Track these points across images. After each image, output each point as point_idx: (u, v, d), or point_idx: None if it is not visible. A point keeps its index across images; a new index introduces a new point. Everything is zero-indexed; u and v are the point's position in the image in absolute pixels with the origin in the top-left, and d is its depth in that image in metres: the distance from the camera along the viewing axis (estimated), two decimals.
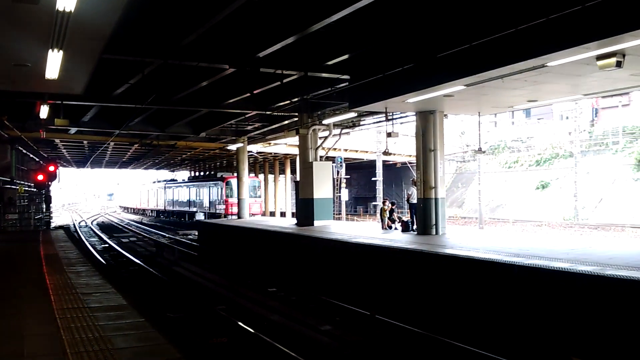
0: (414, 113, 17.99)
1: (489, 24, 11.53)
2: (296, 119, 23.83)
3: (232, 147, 32.53)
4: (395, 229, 19.65)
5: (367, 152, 43.48)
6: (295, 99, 20.91)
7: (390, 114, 19.07)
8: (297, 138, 24.07)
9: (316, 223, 22.39)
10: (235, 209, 33.93)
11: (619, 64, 10.36)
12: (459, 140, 52.03)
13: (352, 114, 19.43)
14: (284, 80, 17.94)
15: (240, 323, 10.79)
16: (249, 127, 29.45)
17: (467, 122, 47.30)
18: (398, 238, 16.35)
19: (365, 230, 19.51)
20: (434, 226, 17.26)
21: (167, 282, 16.40)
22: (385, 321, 11.28)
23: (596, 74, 11.69)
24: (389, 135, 18.89)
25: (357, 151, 43.00)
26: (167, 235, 34.49)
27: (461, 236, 16.51)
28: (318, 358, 9.28)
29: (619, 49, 10.03)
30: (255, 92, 19.62)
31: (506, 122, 56.68)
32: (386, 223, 19.96)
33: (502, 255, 11.69)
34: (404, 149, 40.79)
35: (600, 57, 10.39)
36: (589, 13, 9.44)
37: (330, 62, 16.53)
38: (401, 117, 21.64)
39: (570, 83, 13.46)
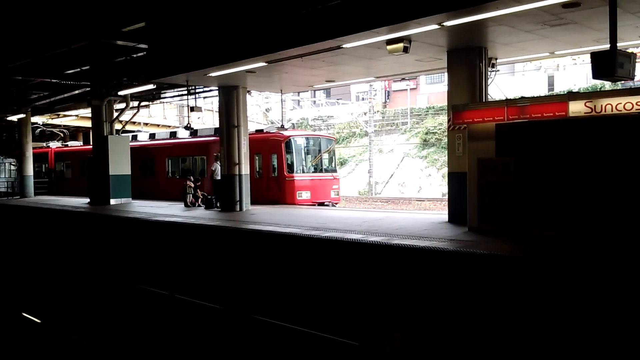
0: (217, 88, 17.63)
1: (289, 3, 11.61)
2: (88, 88, 21.92)
3: (13, 117, 28.87)
4: (199, 205, 19.24)
5: (169, 126, 41.91)
6: (87, 67, 19.16)
7: (193, 87, 18.46)
8: (89, 110, 22.19)
9: (113, 201, 21.01)
10: None
11: (406, 49, 11.16)
12: (263, 117, 52.75)
13: (150, 86, 18.39)
14: (73, 46, 16.28)
15: None
16: (34, 96, 26.37)
17: (272, 99, 48.09)
18: (201, 215, 16.00)
19: (168, 208, 18.77)
20: (238, 202, 17.22)
21: None
22: (185, 300, 10.96)
23: (386, 57, 12.48)
24: (191, 109, 18.33)
25: (158, 126, 41.21)
26: None
27: (264, 213, 16.71)
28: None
29: (406, 35, 10.79)
30: (40, 56, 17.54)
31: (308, 101, 58.86)
32: (189, 200, 19.42)
33: (302, 229, 12.02)
34: (211, 124, 40.14)
35: (389, 42, 11.08)
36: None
37: (126, 29, 15.38)
38: (205, 92, 21.09)
39: (364, 65, 14.24)
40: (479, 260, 8.49)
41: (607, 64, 9.16)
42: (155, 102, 25.44)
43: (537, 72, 33.21)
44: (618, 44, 9.18)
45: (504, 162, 10.73)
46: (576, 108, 9.68)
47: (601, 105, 9.42)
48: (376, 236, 10.61)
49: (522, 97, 11.04)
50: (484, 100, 12.08)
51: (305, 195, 19.52)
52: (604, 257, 8.06)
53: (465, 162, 11.49)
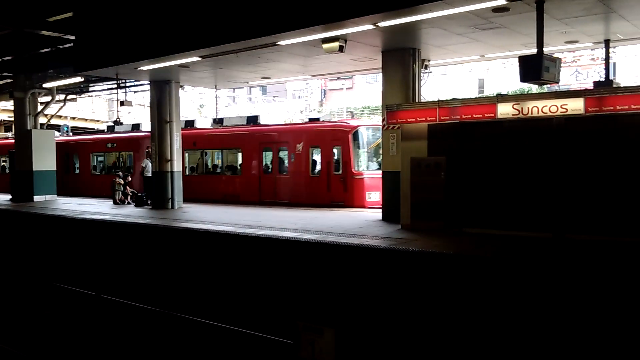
0: (149, 82, 17.10)
1: None
2: (10, 80, 20.77)
3: None
4: (129, 203, 18.63)
5: (98, 121, 40.40)
6: (9, 58, 18.15)
7: (123, 81, 17.84)
8: (12, 102, 21.05)
9: (37, 198, 20.02)
10: None
11: (341, 49, 11.18)
12: (197, 113, 51.77)
13: (78, 79, 17.62)
14: None
15: None
16: None
17: (206, 95, 47.24)
18: (131, 213, 15.48)
19: (96, 206, 18.06)
20: (170, 200, 16.79)
21: None
22: (111, 300, 10.59)
23: (323, 56, 12.49)
24: (121, 103, 17.66)
25: (86, 120, 39.65)
26: None
27: (198, 211, 16.36)
28: None
29: (342, 34, 10.81)
30: None
31: (244, 97, 58.28)
32: (118, 197, 18.78)
33: (236, 227, 11.84)
34: (142, 119, 38.97)
35: (325, 41, 11.08)
36: None
37: (51, 19, 14.65)
38: (136, 85, 20.42)
39: (300, 63, 14.19)
40: (409, 258, 8.63)
41: (534, 68, 9.53)
42: (83, 96, 24.40)
43: (469, 74, 34.23)
44: (545, 49, 9.57)
45: (436, 161, 10.97)
46: (505, 110, 10.01)
47: (528, 108, 9.78)
48: (311, 234, 10.59)
49: (454, 99, 11.30)
50: (417, 101, 12.29)
51: (374, 196, 15.90)
52: (529, 253, 8.37)
53: (399, 161, 11.67)
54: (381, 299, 8.69)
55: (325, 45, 11.13)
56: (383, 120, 12.31)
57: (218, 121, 20.34)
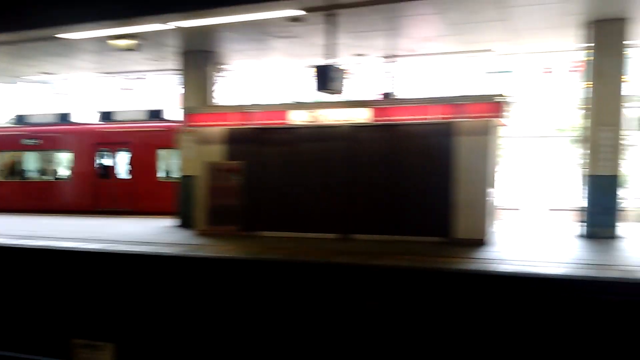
0: None
1: None
2: None
3: None
4: None
5: None
6: None
7: None
8: None
9: None
10: None
11: (134, 47, 10.61)
12: None
13: None
14: None
15: None
16: None
17: None
18: None
19: None
20: None
21: None
22: None
23: (117, 53, 11.70)
24: None
25: None
26: None
27: None
28: None
29: (135, 32, 10.25)
30: None
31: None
32: None
33: (7, 238, 10.48)
34: None
35: (116, 37, 10.41)
36: None
37: None
38: None
39: (93, 60, 13.22)
40: (200, 264, 8.42)
41: (325, 77, 10.00)
42: None
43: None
44: (335, 60, 10.09)
45: (232, 166, 10.92)
46: (298, 117, 10.32)
47: (319, 115, 10.19)
48: (98, 243, 9.80)
49: (252, 104, 11.37)
50: (213, 104, 12.14)
51: None
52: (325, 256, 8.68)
53: (197, 166, 11.38)
54: (171, 309, 8.34)
55: (115, 42, 10.45)
56: (182, 123, 11.94)
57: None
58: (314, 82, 10.17)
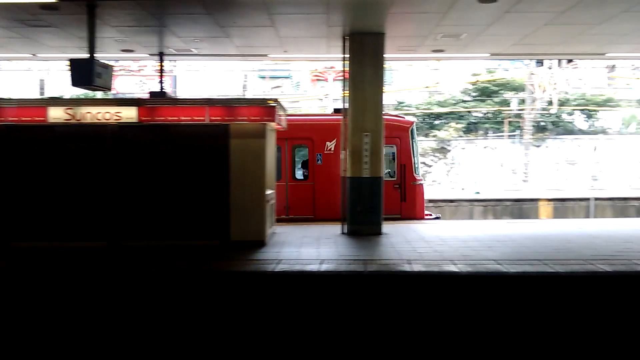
0: None
1: None
2: None
3: None
4: None
5: None
6: None
7: None
8: None
9: None
10: None
11: None
12: None
13: None
14: None
15: None
16: None
17: None
18: None
19: None
20: None
21: None
22: None
23: None
24: None
25: None
26: None
27: None
28: None
29: None
30: None
31: None
32: None
33: None
34: None
35: None
36: None
37: None
38: None
39: None
40: None
41: (85, 73, 9.25)
42: None
43: (29, 72, 30.96)
44: (99, 55, 9.38)
45: None
46: (56, 114, 9.38)
47: (81, 113, 9.39)
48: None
49: (7, 99, 10.05)
50: None
51: (423, 206, 13.54)
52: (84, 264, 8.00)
53: None
54: None
55: None
56: None
57: None
58: (71, 77, 9.33)
